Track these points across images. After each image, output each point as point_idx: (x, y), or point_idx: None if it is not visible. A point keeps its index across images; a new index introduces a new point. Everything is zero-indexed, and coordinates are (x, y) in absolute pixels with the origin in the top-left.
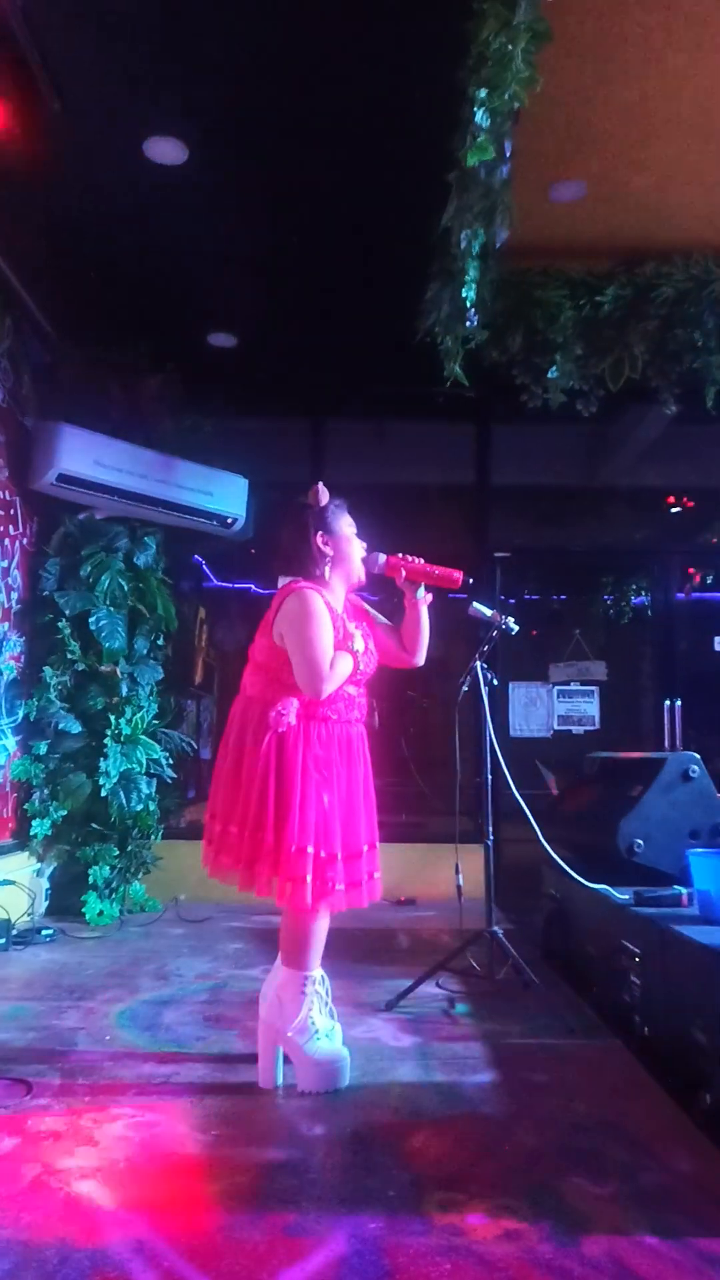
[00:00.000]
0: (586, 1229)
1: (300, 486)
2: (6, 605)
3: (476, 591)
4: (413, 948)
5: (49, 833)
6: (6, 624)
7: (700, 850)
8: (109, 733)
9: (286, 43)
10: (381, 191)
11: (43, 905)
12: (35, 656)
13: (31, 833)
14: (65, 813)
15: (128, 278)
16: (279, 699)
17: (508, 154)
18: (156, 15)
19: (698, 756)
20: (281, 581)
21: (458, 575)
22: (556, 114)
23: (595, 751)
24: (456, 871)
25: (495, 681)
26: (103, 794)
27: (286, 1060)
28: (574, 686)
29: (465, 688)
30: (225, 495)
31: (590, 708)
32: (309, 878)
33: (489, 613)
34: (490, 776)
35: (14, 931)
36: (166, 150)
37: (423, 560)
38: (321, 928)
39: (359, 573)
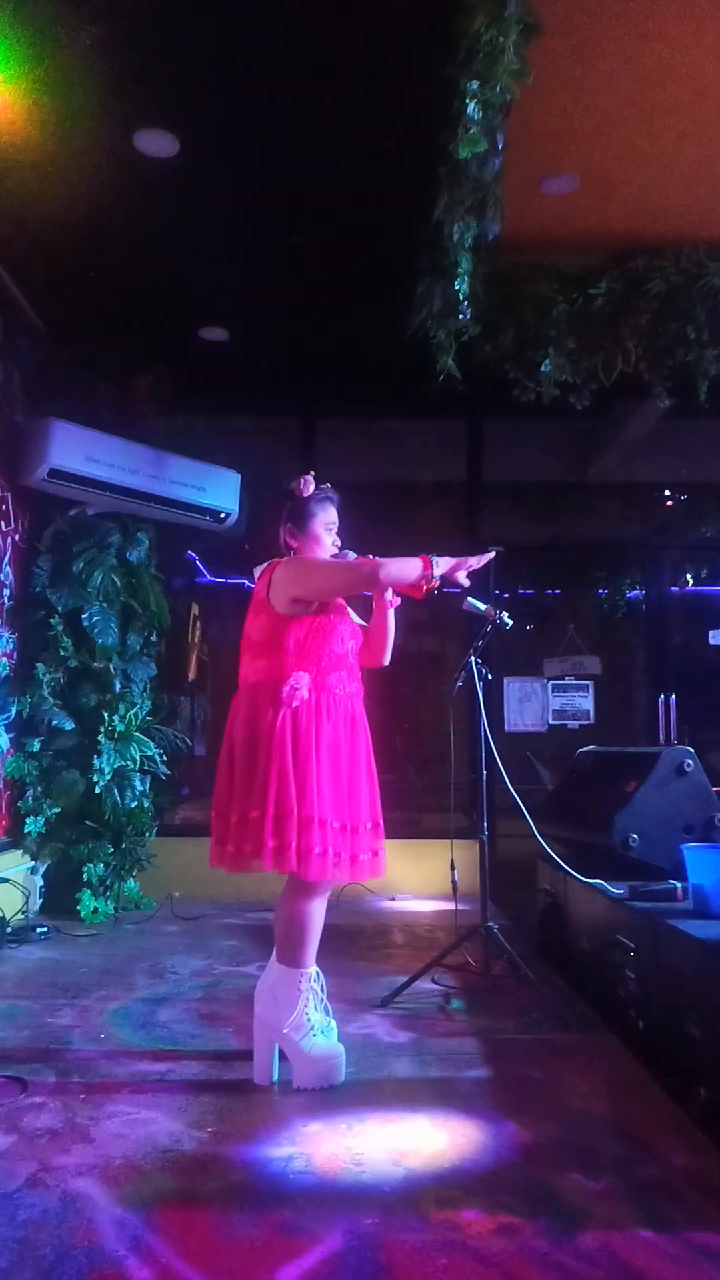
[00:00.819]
0: (582, 1224)
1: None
2: None
3: (470, 588)
4: (408, 944)
5: (43, 830)
6: None
7: (694, 844)
8: (102, 730)
9: (278, 35)
10: (373, 184)
11: (37, 903)
12: (28, 653)
13: (25, 830)
14: (59, 810)
15: (118, 272)
16: (289, 674)
17: (499, 147)
18: (146, 6)
19: (692, 751)
20: (257, 570)
21: (422, 586)
22: (547, 107)
23: (590, 746)
24: (451, 867)
25: (489, 676)
26: (96, 791)
27: (282, 1057)
28: (568, 681)
29: (460, 683)
30: (217, 490)
31: (585, 702)
32: (329, 849)
33: (483, 608)
34: (485, 772)
35: (8, 929)
36: (157, 143)
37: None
38: (317, 922)
39: None
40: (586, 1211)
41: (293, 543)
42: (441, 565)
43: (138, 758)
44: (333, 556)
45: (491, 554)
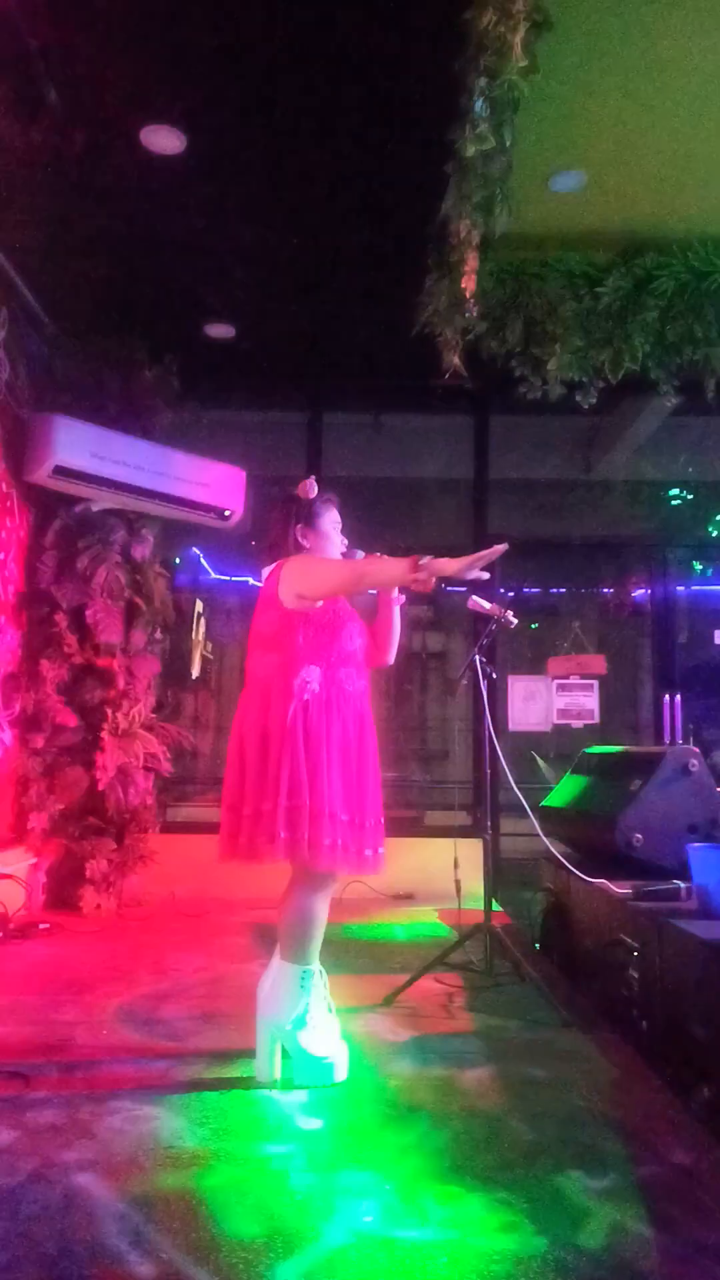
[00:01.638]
0: (585, 1222)
1: (297, 479)
2: (3, 598)
3: (475, 585)
4: (410, 942)
5: (46, 826)
6: (3, 617)
7: (699, 844)
8: (106, 726)
9: (285, 31)
10: (380, 181)
11: (40, 899)
12: (32, 650)
13: (29, 826)
14: (62, 806)
15: (124, 268)
16: (300, 668)
17: (507, 144)
18: (154, 2)
19: (697, 750)
20: (265, 570)
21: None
22: (556, 103)
23: (594, 745)
24: (455, 865)
25: (494, 675)
26: (100, 788)
27: (284, 1054)
28: (573, 680)
29: (464, 680)
30: (222, 487)
31: (589, 701)
32: (339, 840)
33: (488, 606)
34: (489, 771)
35: (11, 925)
36: (164, 139)
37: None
38: (321, 918)
39: None
40: (589, 1210)
41: (305, 542)
42: (434, 565)
43: (141, 755)
44: (343, 554)
45: (503, 546)
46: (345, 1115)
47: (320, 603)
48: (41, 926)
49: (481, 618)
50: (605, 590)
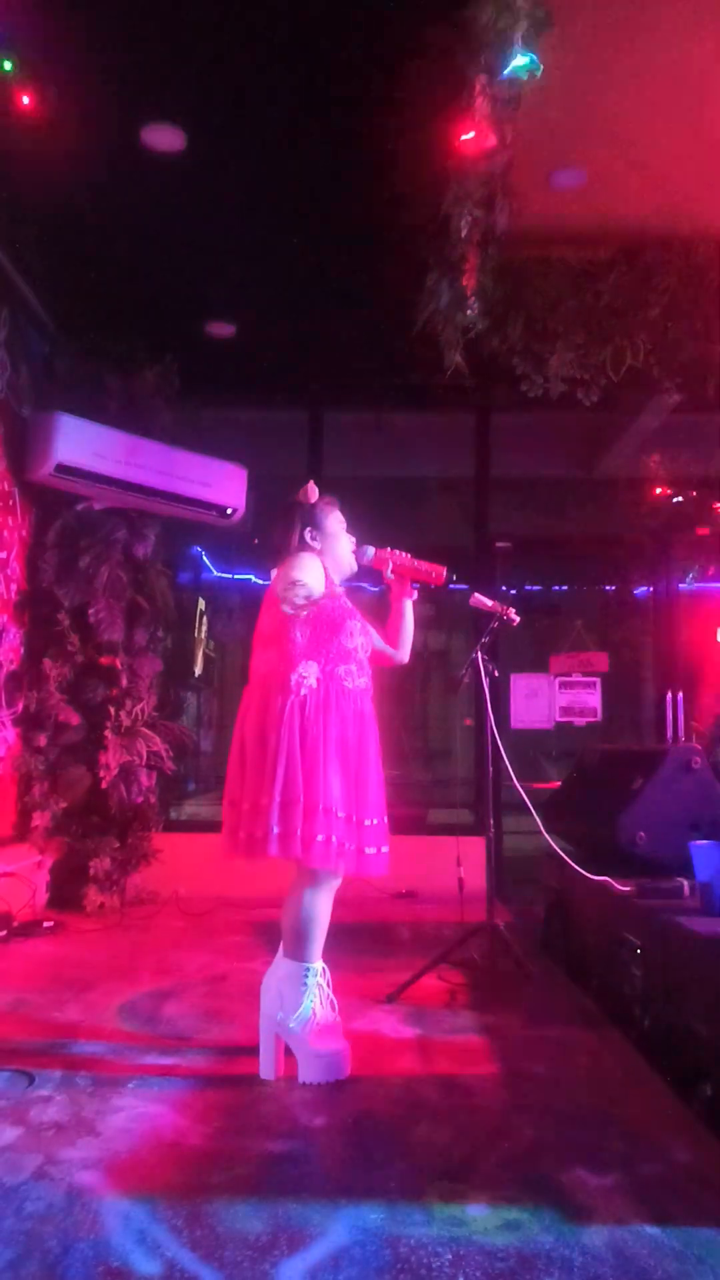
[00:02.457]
0: (587, 1219)
1: (299, 477)
2: (5, 597)
3: (477, 583)
4: (414, 940)
5: (49, 825)
6: (5, 616)
7: (702, 842)
8: (109, 725)
9: (285, 29)
10: (381, 178)
11: (43, 897)
12: (34, 649)
13: (32, 825)
14: (65, 805)
15: (125, 267)
16: (296, 664)
17: (507, 141)
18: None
19: (699, 748)
20: (274, 572)
21: (442, 570)
22: (557, 101)
23: (597, 743)
24: (457, 864)
25: (496, 673)
26: (103, 786)
27: (288, 1052)
28: (575, 678)
29: (465, 679)
30: (224, 485)
31: (592, 699)
32: (333, 838)
33: (490, 604)
34: (491, 768)
35: (15, 923)
36: (164, 138)
37: (409, 555)
38: (324, 916)
39: (348, 565)
40: (592, 1207)
41: (314, 544)
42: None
43: (144, 753)
44: (351, 552)
45: (442, 569)
46: (349, 1112)
47: (294, 607)
48: (45, 925)
49: (484, 615)
50: (608, 588)
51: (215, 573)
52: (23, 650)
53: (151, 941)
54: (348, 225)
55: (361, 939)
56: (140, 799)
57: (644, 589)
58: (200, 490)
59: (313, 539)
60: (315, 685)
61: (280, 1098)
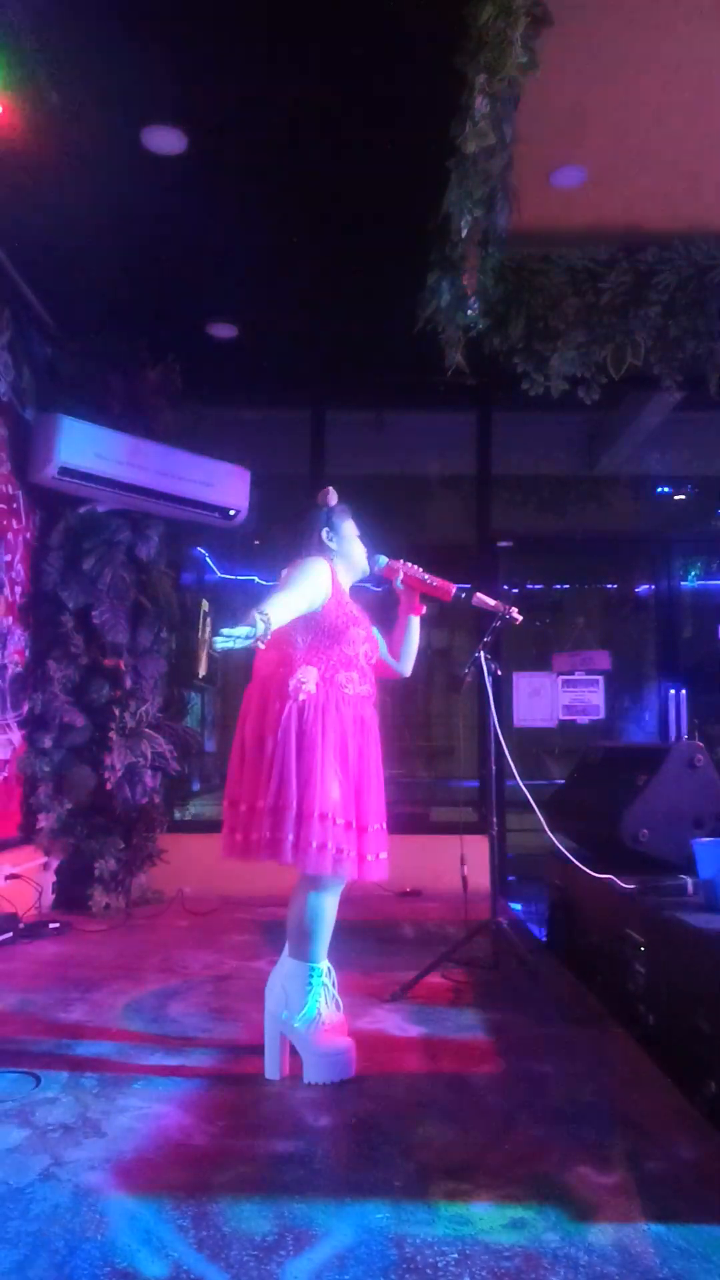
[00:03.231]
0: (593, 1218)
1: (301, 477)
2: (10, 599)
3: (479, 581)
4: (418, 939)
5: (55, 826)
6: (10, 618)
7: (705, 839)
8: (113, 726)
9: (284, 29)
10: (381, 178)
11: (49, 898)
12: (39, 650)
13: (37, 826)
14: (70, 806)
15: (127, 268)
16: (295, 669)
17: (508, 140)
18: (153, 2)
19: (702, 745)
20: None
21: (452, 588)
22: (557, 99)
23: (600, 741)
24: (461, 862)
25: (499, 671)
26: (108, 787)
27: (293, 1051)
28: (578, 676)
29: (468, 677)
30: (226, 487)
31: (594, 697)
32: (329, 843)
33: (493, 603)
34: (494, 767)
35: (21, 925)
36: (165, 139)
37: (420, 569)
38: (329, 917)
39: (362, 567)
40: (597, 1205)
41: (331, 545)
42: (267, 623)
43: (148, 754)
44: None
45: (451, 586)
46: (354, 1111)
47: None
48: (51, 925)
49: (486, 614)
50: (609, 586)
51: (219, 574)
52: (27, 652)
53: (157, 941)
54: (349, 225)
55: (366, 938)
56: (145, 800)
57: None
58: (203, 492)
59: (330, 540)
60: (314, 690)
61: (286, 1097)
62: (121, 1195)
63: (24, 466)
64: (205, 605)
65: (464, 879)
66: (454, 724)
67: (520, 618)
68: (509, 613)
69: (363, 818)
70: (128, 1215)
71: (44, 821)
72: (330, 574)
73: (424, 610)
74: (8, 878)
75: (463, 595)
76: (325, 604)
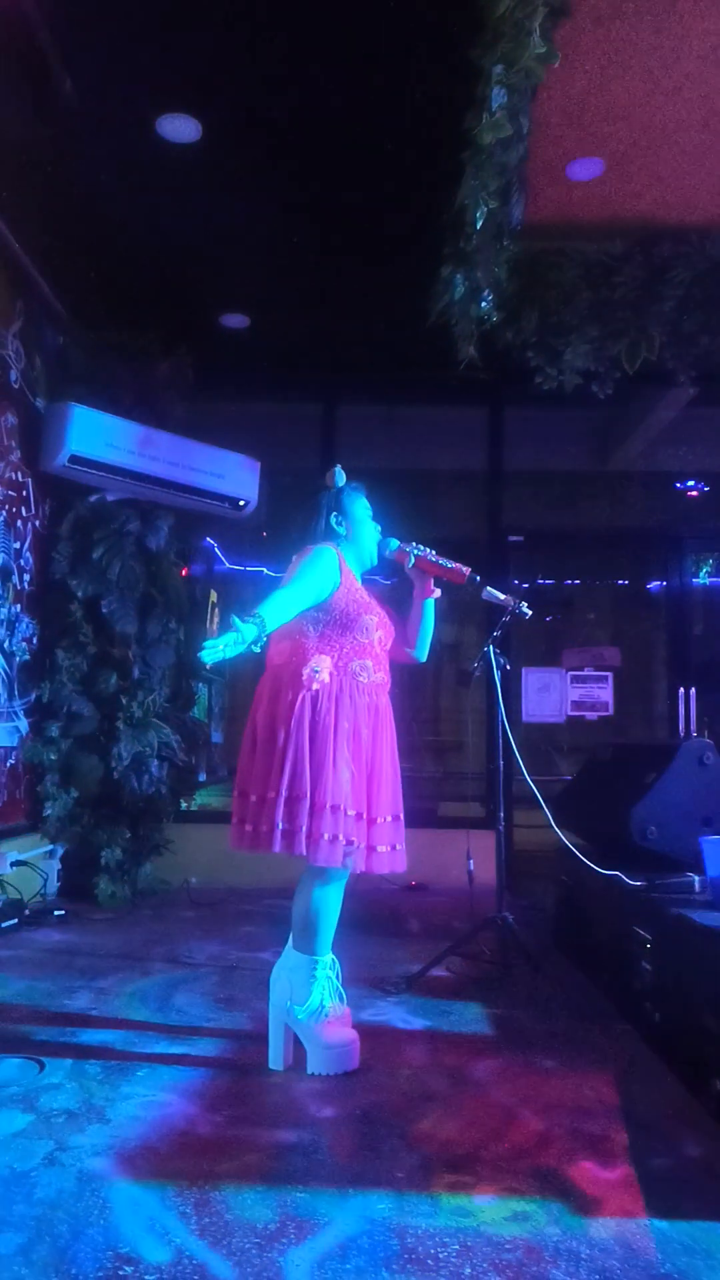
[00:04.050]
0: (595, 1212)
1: (312, 470)
2: (19, 588)
3: (490, 576)
4: (423, 932)
5: (61, 815)
6: (19, 606)
7: (714, 837)
8: (121, 716)
9: (300, 18)
10: (396, 170)
11: (55, 886)
12: (48, 639)
13: (44, 814)
14: (77, 795)
15: (140, 258)
16: (309, 658)
17: (524, 132)
18: None
19: (711, 743)
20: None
21: (465, 570)
22: (573, 91)
23: (609, 738)
24: (468, 857)
25: (508, 666)
26: (115, 777)
27: (297, 1042)
28: (587, 672)
29: (477, 672)
30: (236, 477)
31: (604, 694)
32: (340, 835)
33: (503, 597)
34: (502, 762)
35: (26, 912)
36: (179, 128)
37: (434, 552)
38: (333, 909)
39: (371, 553)
40: (600, 1200)
41: (340, 528)
42: (260, 627)
43: (155, 744)
44: (379, 543)
45: (465, 569)
46: (357, 1103)
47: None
48: (57, 913)
49: (496, 609)
50: (620, 582)
51: (228, 565)
52: (36, 641)
53: (162, 931)
54: (363, 216)
55: (371, 931)
56: (152, 789)
57: (657, 583)
58: (213, 482)
59: (339, 524)
60: (328, 680)
61: (289, 1088)
62: (125, 1182)
63: (34, 455)
64: (214, 596)
65: (470, 874)
66: (462, 719)
67: (530, 612)
68: (518, 607)
69: (373, 809)
70: (131, 1201)
71: (51, 810)
72: (339, 561)
73: (438, 593)
74: (13, 864)
75: (477, 579)
76: (335, 593)
